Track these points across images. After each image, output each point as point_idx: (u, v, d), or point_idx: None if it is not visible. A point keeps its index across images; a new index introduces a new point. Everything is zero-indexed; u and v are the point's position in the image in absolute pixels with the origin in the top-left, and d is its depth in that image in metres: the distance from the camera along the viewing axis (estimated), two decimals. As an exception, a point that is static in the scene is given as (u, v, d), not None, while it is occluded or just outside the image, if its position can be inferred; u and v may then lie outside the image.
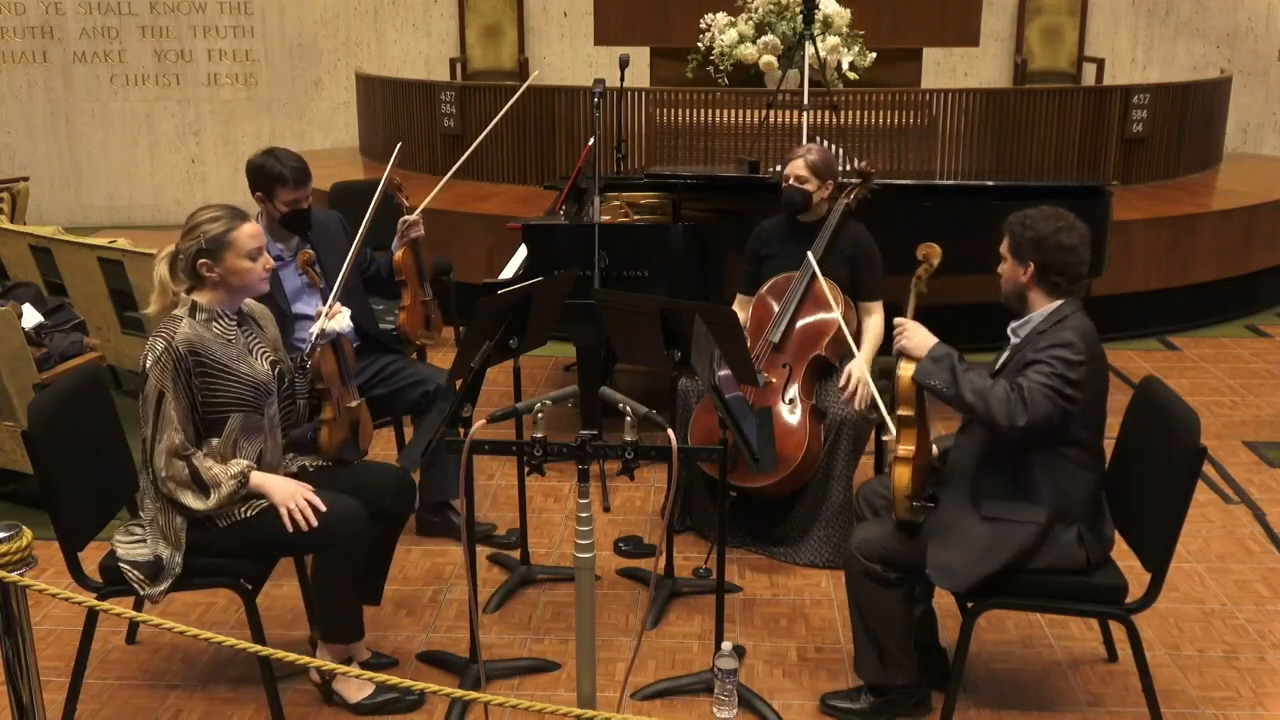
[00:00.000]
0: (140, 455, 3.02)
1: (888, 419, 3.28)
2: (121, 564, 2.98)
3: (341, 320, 3.30)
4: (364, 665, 3.32)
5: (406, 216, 4.12)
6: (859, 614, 3.12)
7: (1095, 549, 2.96)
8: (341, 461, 3.31)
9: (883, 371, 3.73)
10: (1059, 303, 2.96)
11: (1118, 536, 3.08)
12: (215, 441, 2.97)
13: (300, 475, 3.22)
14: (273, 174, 3.81)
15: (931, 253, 3.13)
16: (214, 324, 2.99)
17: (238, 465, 2.95)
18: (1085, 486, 2.94)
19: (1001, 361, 3.05)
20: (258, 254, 2.99)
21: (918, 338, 2.97)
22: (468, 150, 4.57)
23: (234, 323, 3.04)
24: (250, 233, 2.98)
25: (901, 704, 3.15)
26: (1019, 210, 3.03)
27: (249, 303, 3.15)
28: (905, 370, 2.95)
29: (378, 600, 3.42)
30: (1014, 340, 3.03)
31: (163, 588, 2.96)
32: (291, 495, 2.98)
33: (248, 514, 3.00)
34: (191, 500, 2.91)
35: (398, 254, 4.12)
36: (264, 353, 3.10)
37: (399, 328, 4.15)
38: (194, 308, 2.97)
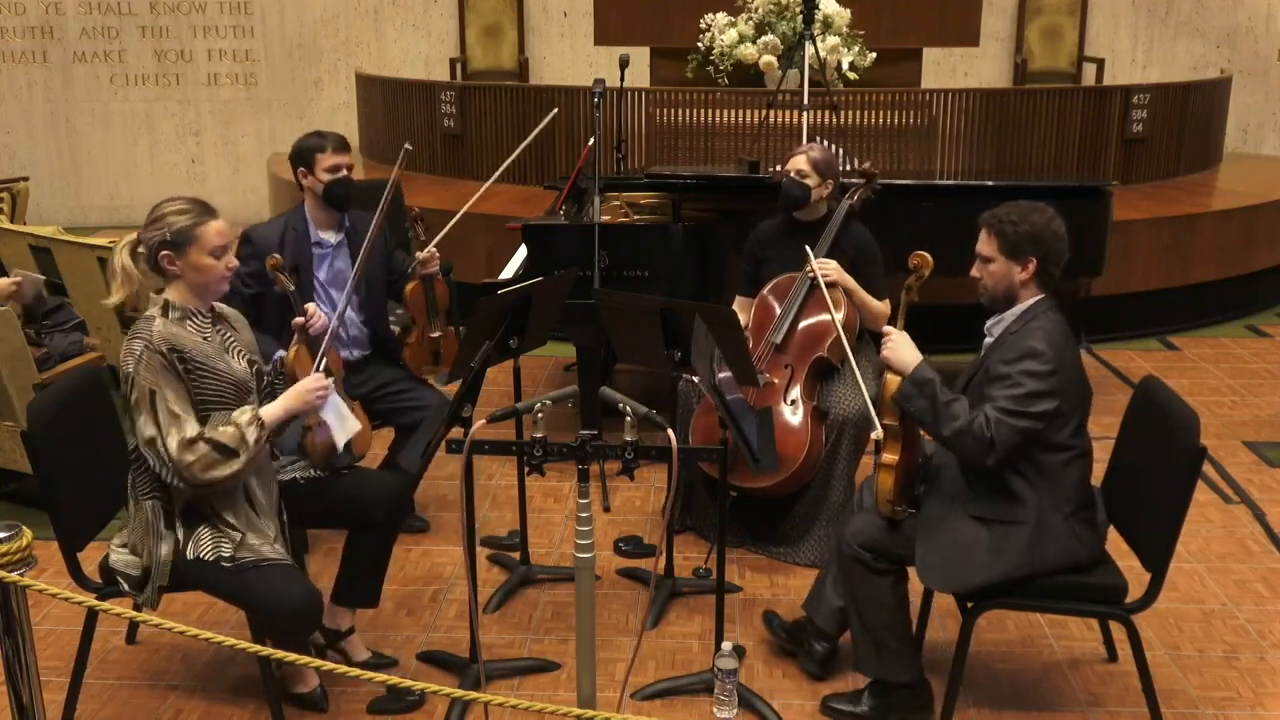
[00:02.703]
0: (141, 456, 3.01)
1: (875, 416, 3.29)
2: (114, 569, 2.97)
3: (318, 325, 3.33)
4: (364, 665, 3.32)
5: (420, 253, 4.08)
6: (853, 605, 3.12)
7: (1090, 542, 2.96)
8: (331, 468, 3.26)
9: (881, 372, 3.73)
10: (1034, 300, 2.96)
11: (1118, 537, 3.08)
12: None
13: (293, 485, 3.21)
14: (310, 145, 3.88)
15: (924, 263, 3.11)
16: (188, 322, 2.92)
17: (246, 414, 2.90)
18: (1072, 481, 2.94)
19: (978, 363, 3.05)
20: (221, 252, 2.92)
21: (901, 352, 2.96)
22: (501, 166, 4.66)
23: (208, 321, 2.98)
24: (216, 229, 2.91)
25: (904, 706, 3.15)
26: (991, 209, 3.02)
27: (221, 306, 3.10)
28: (892, 381, 2.95)
29: (375, 603, 3.41)
30: (989, 339, 3.03)
31: (150, 594, 2.92)
32: (308, 397, 3.01)
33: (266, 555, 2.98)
34: (226, 470, 2.84)
35: (408, 288, 4.07)
36: (240, 352, 3.04)
37: (404, 362, 4.11)
38: (166, 306, 2.91)
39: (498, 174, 4.71)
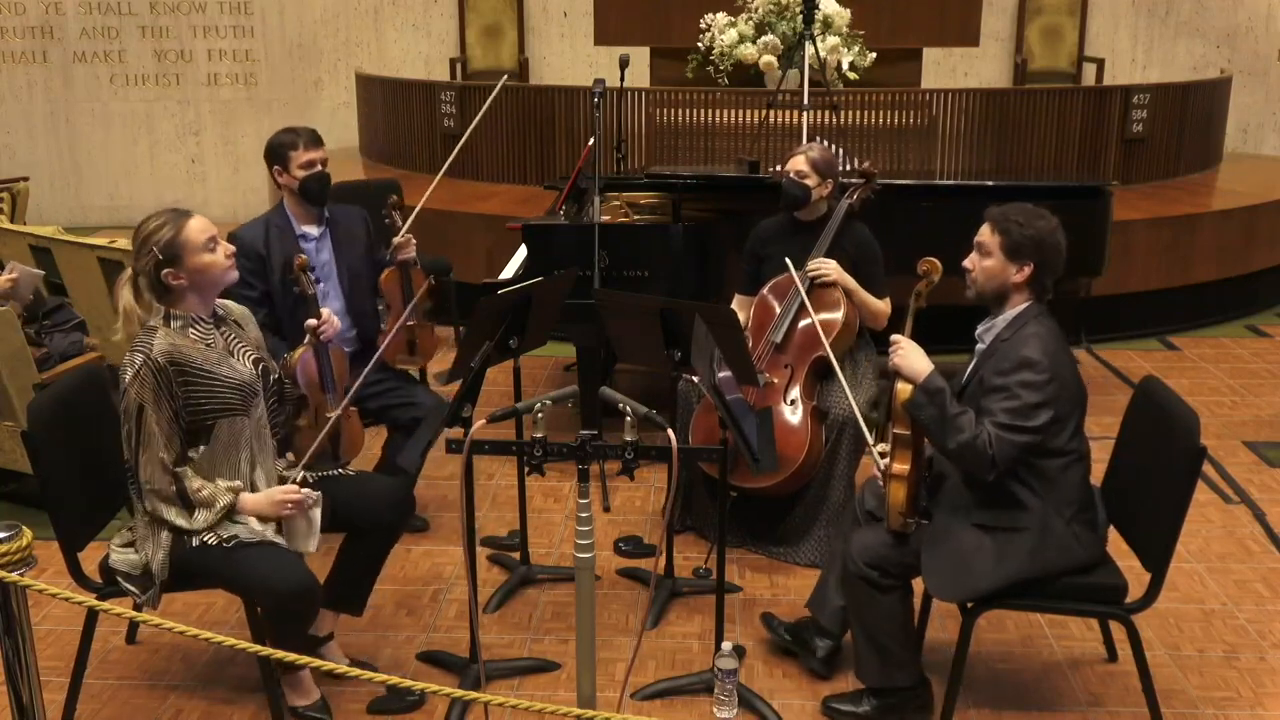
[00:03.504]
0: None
1: (866, 431, 3.28)
2: (114, 569, 2.98)
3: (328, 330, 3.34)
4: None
5: (396, 239, 4.07)
6: (857, 618, 3.11)
7: (1091, 544, 2.96)
8: (316, 470, 3.24)
9: (882, 372, 3.73)
10: (1024, 305, 2.96)
11: (1118, 537, 3.08)
12: (203, 449, 2.94)
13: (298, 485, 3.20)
14: (283, 142, 3.88)
15: (933, 268, 3.10)
16: (190, 330, 2.93)
17: (226, 497, 2.91)
18: (1072, 484, 2.94)
19: (969, 372, 3.04)
20: (213, 244, 2.92)
21: (912, 360, 2.94)
22: (455, 149, 4.51)
23: (210, 326, 2.99)
24: (198, 226, 2.91)
25: (905, 707, 3.15)
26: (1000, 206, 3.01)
27: (227, 305, 3.10)
28: (904, 389, 2.94)
29: (359, 611, 3.36)
30: (981, 346, 3.02)
31: (151, 593, 2.93)
32: (278, 505, 2.97)
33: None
34: (174, 516, 2.89)
35: (384, 275, 4.06)
36: (246, 352, 3.05)
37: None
38: (168, 316, 2.92)
39: (451, 158, 4.62)
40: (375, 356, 3.32)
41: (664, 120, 6.52)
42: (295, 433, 3.38)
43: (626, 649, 3.45)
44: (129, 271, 2.94)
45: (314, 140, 3.90)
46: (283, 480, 3.15)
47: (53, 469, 2.93)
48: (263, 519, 2.97)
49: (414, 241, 4.10)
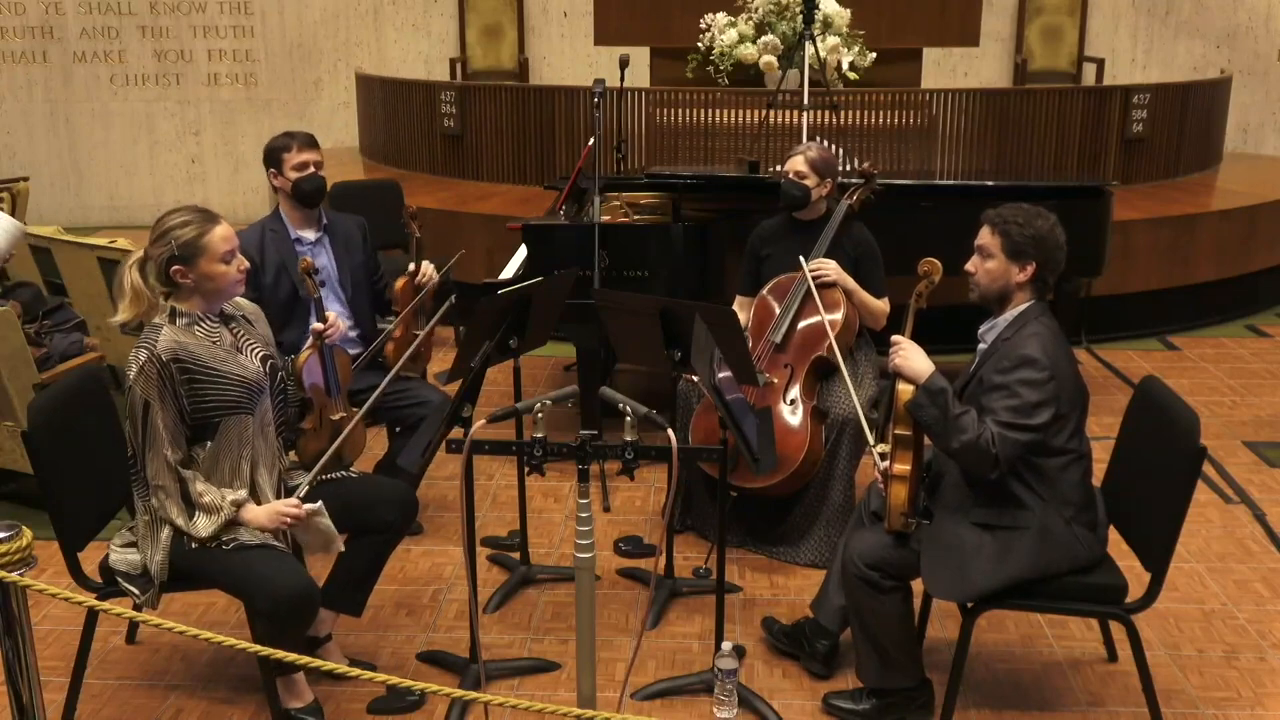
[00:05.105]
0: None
1: (867, 431, 3.28)
2: (114, 569, 2.98)
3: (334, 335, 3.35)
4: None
5: (425, 264, 4.02)
6: (857, 619, 3.11)
7: (1091, 544, 2.96)
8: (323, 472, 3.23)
9: (882, 372, 3.73)
10: (1026, 305, 2.96)
11: (1118, 537, 3.08)
12: (209, 445, 2.94)
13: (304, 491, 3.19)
14: (277, 145, 3.93)
15: (933, 269, 3.11)
16: (196, 328, 2.93)
17: (229, 510, 2.91)
18: (1072, 484, 2.94)
19: (971, 371, 3.05)
20: (231, 257, 2.92)
21: (914, 360, 2.93)
22: None
23: (217, 323, 2.98)
24: (222, 235, 2.91)
25: (905, 706, 3.15)
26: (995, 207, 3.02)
27: (239, 301, 3.10)
28: (905, 390, 2.94)
29: (358, 612, 3.34)
30: (983, 346, 3.03)
31: (150, 594, 2.94)
32: (277, 518, 2.96)
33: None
34: (176, 516, 2.89)
35: (399, 283, 4.05)
36: (254, 349, 3.05)
37: (384, 357, 4.07)
38: (174, 313, 2.91)
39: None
40: (393, 372, 3.31)
41: (664, 120, 6.52)
42: (299, 435, 3.38)
43: (626, 649, 3.45)
44: (139, 254, 2.93)
45: (308, 143, 3.93)
46: (284, 484, 3.16)
47: (53, 469, 2.93)
48: (261, 530, 2.97)
49: (435, 277, 4.04)
